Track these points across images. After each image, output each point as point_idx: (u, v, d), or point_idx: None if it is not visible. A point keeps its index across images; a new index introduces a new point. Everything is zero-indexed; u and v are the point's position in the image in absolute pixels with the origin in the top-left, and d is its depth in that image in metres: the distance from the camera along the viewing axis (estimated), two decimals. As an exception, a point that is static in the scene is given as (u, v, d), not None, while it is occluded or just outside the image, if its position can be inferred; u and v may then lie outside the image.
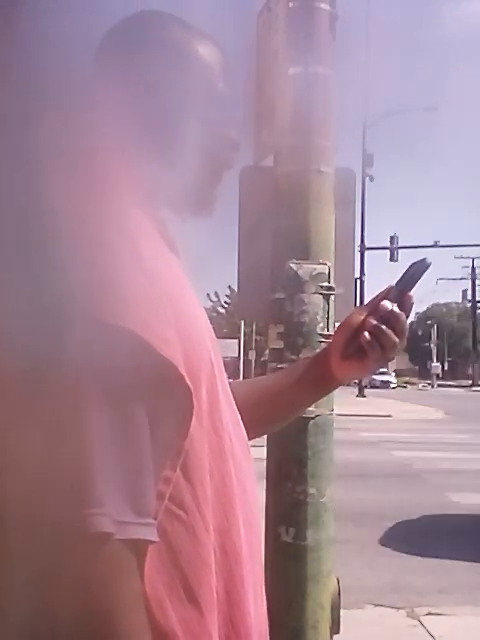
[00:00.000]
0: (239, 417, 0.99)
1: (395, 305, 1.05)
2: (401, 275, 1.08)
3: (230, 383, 1.05)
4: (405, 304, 1.06)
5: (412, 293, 1.08)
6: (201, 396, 0.85)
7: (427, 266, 1.07)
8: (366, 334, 1.05)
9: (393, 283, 1.08)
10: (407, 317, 1.07)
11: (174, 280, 0.86)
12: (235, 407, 0.99)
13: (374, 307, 1.06)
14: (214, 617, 0.83)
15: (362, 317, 1.06)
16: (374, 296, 1.09)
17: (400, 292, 1.06)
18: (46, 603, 0.72)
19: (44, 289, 0.75)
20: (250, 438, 1.03)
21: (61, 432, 0.73)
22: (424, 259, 1.07)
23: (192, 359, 0.82)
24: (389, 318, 1.05)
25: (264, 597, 0.97)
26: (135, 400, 0.76)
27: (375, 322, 1.05)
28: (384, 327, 1.05)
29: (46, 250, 0.77)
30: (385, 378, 52.42)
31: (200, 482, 0.84)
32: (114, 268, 0.78)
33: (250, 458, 0.99)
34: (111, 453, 0.74)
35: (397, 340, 1.05)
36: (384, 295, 1.07)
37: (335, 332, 1.13)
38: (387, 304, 1.05)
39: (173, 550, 0.81)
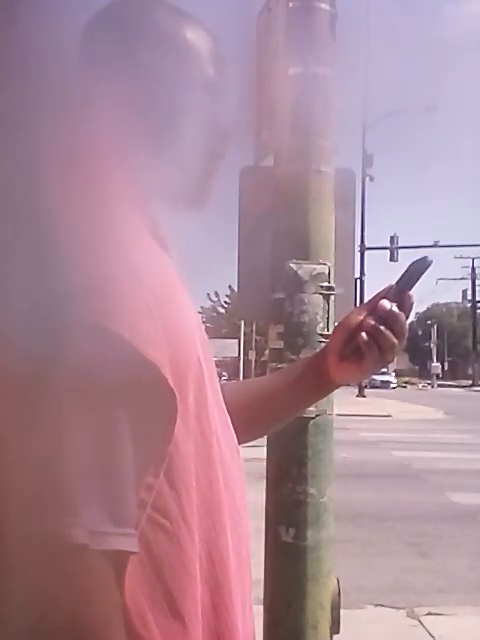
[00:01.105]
0: (229, 420, 0.96)
1: (394, 305, 1.02)
2: (401, 274, 1.05)
3: (225, 384, 1.02)
4: (405, 303, 1.03)
5: (412, 292, 1.04)
6: (188, 398, 0.82)
7: (428, 265, 1.04)
8: (363, 334, 1.01)
9: (393, 282, 1.05)
10: (407, 317, 1.03)
11: (163, 279, 0.82)
12: (225, 410, 0.95)
13: (373, 307, 1.03)
14: (198, 630, 0.81)
15: (360, 317, 1.02)
16: (373, 295, 1.05)
17: (400, 291, 1.03)
18: (24, 614, 0.70)
19: (29, 289, 0.73)
20: (246, 440, 1.01)
21: (38, 437, 0.70)
22: (425, 257, 1.04)
23: (179, 360, 0.79)
24: (388, 318, 1.01)
25: (252, 608, 0.94)
26: (116, 403, 0.73)
27: (373, 322, 1.01)
28: (382, 327, 1.01)
29: (35, 250, 0.75)
30: (385, 378, 52.43)
31: (185, 489, 0.81)
32: (101, 268, 0.75)
33: (240, 463, 0.95)
34: (89, 460, 0.71)
35: (396, 341, 1.02)
36: (383, 294, 1.03)
37: (333, 332, 1.09)
38: (386, 303, 1.02)
39: (156, 561, 0.78)
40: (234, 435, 0.96)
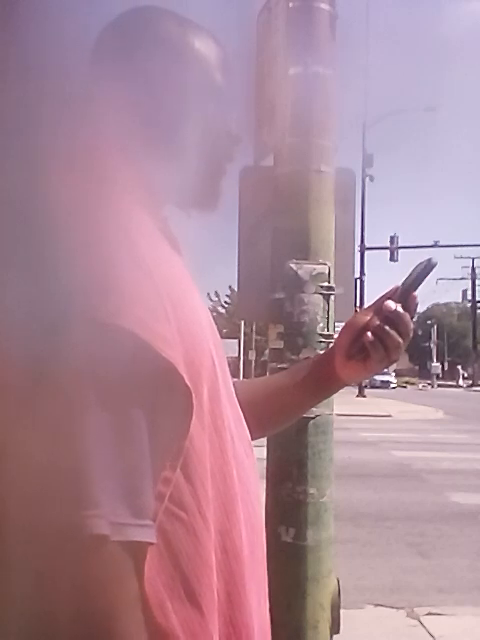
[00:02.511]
0: (242, 416, 0.98)
1: (399, 305, 1.05)
2: (407, 275, 1.07)
3: (233, 382, 1.04)
4: (410, 304, 1.06)
5: (416, 293, 1.07)
6: (202, 395, 0.84)
7: (433, 266, 1.06)
8: (369, 334, 1.04)
9: (399, 283, 1.07)
10: (412, 318, 1.06)
11: (175, 278, 0.84)
12: (238, 406, 0.98)
13: (379, 307, 1.06)
14: (215, 618, 0.83)
15: (367, 318, 1.05)
16: (379, 296, 1.08)
17: (405, 292, 1.06)
18: (43, 605, 0.72)
19: (42, 289, 0.74)
20: (253, 438, 1.02)
21: (58, 433, 0.72)
22: (430, 259, 1.07)
23: (193, 358, 0.81)
24: (393, 318, 1.04)
25: (267, 599, 0.97)
26: (133, 400, 0.75)
27: (378, 322, 1.04)
28: (387, 327, 1.04)
29: (44, 249, 0.76)
30: (385, 378, 52.48)
31: (201, 482, 0.83)
32: (112, 267, 0.77)
33: (252, 457, 0.98)
34: (108, 454, 0.73)
35: (401, 341, 1.05)
36: (389, 295, 1.06)
37: (339, 332, 1.12)
38: (391, 304, 1.05)
39: (173, 551, 0.80)
40: (247, 430, 0.99)
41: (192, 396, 0.80)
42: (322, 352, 1.21)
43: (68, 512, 0.71)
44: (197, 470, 0.83)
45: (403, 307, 1.05)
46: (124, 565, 0.74)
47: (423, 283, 1.06)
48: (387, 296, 1.06)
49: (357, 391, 32.36)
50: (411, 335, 1.06)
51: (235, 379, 1.07)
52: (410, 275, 1.07)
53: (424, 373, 73.14)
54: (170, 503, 0.80)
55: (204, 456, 0.84)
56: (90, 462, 0.72)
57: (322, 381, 1.13)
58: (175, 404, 0.79)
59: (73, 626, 0.72)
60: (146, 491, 0.76)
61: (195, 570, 0.81)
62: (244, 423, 0.98)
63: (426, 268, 1.06)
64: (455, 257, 56.76)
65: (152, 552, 0.78)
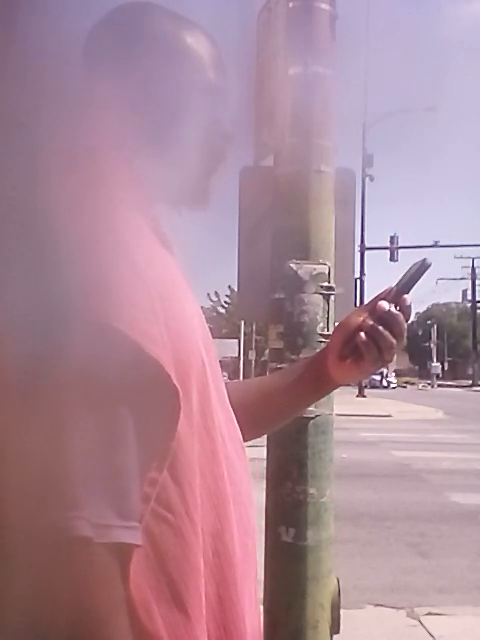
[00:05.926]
0: (233, 417, 0.97)
1: (393, 306, 1.04)
2: (401, 276, 1.07)
3: (226, 383, 1.03)
4: (404, 305, 1.04)
5: (409, 294, 1.06)
6: (191, 396, 0.83)
7: (427, 267, 1.05)
8: (362, 334, 1.03)
9: (393, 285, 1.06)
10: (407, 319, 1.05)
11: (166, 278, 0.84)
12: (229, 407, 0.97)
13: (372, 308, 1.04)
14: (202, 622, 0.82)
15: (360, 318, 1.04)
16: (373, 297, 1.07)
17: (399, 293, 1.05)
18: (28, 607, 0.71)
19: (32, 288, 0.74)
20: (247, 439, 1.01)
21: (43, 433, 0.71)
22: (424, 260, 1.06)
23: (182, 358, 0.81)
24: (387, 319, 1.03)
25: (258, 601, 0.95)
26: (119, 400, 0.74)
27: (372, 322, 1.03)
28: (381, 328, 1.03)
29: (36, 249, 0.76)
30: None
31: (189, 484, 0.82)
32: (104, 267, 0.76)
33: (244, 459, 0.97)
34: (93, 455, 0.72)
35: (394, 341, 1.03)
36: (383, 296, 1.05)
37: (332, 333, 1.11)
38: (384, 304, 1.03)
39: (160, 553, 0.79)
40: (239, 431, 0.98)
41: (179, 396, 0.79)
42: (315, 353, 1.19)
43: (52, 514, 0.70)
44: (185, 471, 0.82)
45: (397, 308, 1.04)
46: (109, 567, 0.73)
47: (418, 284, 1.06)
48: (381, 297, 1.05)
49: (357, 391, 32.36)
50: (405, 336, 1.05)
51: (228, 381, 1.06)
52: (405, 276, 1.06)
53: (424, 373, 73.16)
54: (157, 505, 0.79)
55: (193, 457, 0.83)
56: (74, 463, 0.71)
57: (315, 382, 1.11)
58: (162, 404, 0.78)
59: (58, 629, 0.71)
60: (132, 492, 0.75)
61: (182, 573, 0.80)
62: (235, 424, 0.97)
63: (421, 268, 1.06)
64: (455, 257, 56.84)
65: (138, 554, 0.76)
